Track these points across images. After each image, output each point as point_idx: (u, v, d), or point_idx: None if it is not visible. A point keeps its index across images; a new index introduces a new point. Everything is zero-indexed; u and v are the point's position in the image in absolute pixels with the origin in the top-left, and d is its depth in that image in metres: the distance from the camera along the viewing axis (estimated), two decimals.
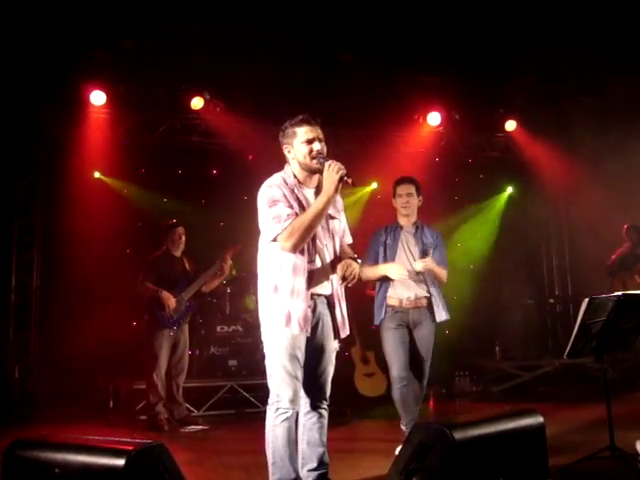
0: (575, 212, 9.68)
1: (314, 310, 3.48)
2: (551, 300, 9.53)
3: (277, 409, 3.38)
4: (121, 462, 2.67)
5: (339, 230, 3.68)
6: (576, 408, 6.56)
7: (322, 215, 3.37)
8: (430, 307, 4.98)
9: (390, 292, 4.99)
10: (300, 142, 3.46)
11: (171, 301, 6.33)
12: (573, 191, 9.48)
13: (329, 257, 3.55)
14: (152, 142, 8.36)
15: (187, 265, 6.64)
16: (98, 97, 7.79)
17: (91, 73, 7.72)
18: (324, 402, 3.57)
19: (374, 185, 9.58)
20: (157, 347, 6.31)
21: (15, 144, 7.94)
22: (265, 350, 3.49)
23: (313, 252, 3.47)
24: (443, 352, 8.87)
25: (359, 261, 3.56)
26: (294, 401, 3.39)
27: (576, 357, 4.13)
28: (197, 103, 8.13)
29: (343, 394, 7.29)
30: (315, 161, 3.43)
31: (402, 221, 5.11)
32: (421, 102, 8.93)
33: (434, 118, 8.98)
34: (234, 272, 6.72)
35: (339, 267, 3.46)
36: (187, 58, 7.85)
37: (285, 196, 3.41)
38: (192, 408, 6.84)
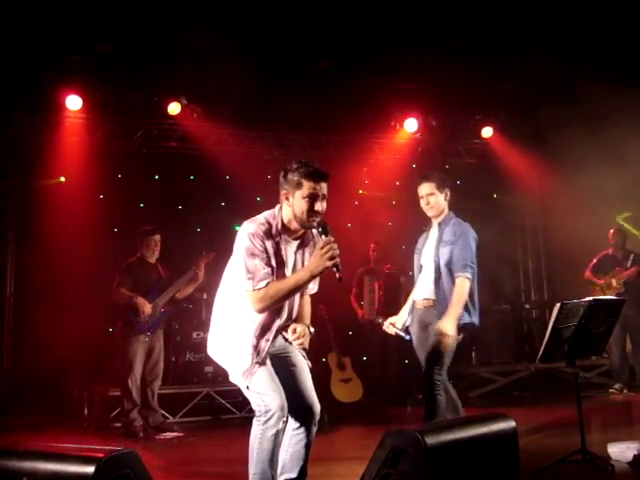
0: (551, 218, 9.78)
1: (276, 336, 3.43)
2: (527, 305, 9.60)
3: (267, 421, 3.23)
4: (91, 469, 2.63)
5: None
6: (551, 412, 6.61)
7: (300, 290, 3.32)
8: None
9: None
10: (303, 196, 3.28)
11: (146, 307, 6.30)
12: (549, 197, 9.60)
13: (293, 310, 3.50)
14: (129, 147, 8.33)
15: (162, 271, 6.61)
16: (74, 102, 7.75)
17: (67, 78, 7.69)
18: (315, 417, 3.48)
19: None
20: (132, 353, 6.27)
21: None
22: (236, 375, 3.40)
23: (280, 310, 3.40)
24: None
25: (312, 331, 3.52)
26: (284, 410, 3.24)
27: (548, 362, 4.17)
28: (174, 109, 8.11)
29: (319, 400, 7.29)
30: (312, 219, 3.29)
31: (432, 220, 4.74)
32: (398, 108, 9.00)
33: (411, 124, 9.04)
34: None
35: (291, 330, 3.41)
36: (164, 63, 7.86)
37: (266, 250, 3.27)
38: (167, 415, 6.79)
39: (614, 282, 7.66)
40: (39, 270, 7.51)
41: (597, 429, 5.48)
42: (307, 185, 3.28)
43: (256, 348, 3.33)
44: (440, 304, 4.50)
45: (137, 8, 6.83)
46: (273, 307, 3.28)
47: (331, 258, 3.13)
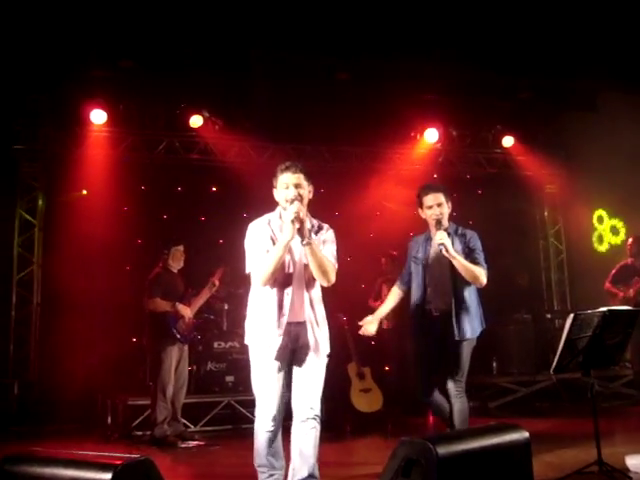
0: (573, 226, 9.73)
1: (290, 334, 3.75)
2: (548, 315, 9.54)
3: (259, 419, 3.77)
4: (108, 476, 2.70)
5: None
6: (570, 423, 6.56)
7: (280, 256, 3.67)
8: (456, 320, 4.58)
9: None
10: (280, 188, 3.84)
11: (188, 311, 6.33)
12: (571, 205, 9.55)
13: (305, 289, 3.83)
14: (151, 160, 8.46)
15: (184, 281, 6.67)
16: (98, 116, 7.91)
17: (91, 92, 7.86)
18: (312, 413, 3.75)
19: None
20: (168, 364, 6.23)
21: (17, 163, 8.07)
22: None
23: (289, 283, 3.77)
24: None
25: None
26: (274, 418, 3.73)
27: (562, 372, 4.17)
28: (196, 121, 8.24)
29: (340, 410, 7.33)
30: (288, 205, 3.75)
31: (433, 232, 4.66)
32: (418, 119, 9.03)
33: (431, 135, 9.06)
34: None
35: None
36: (186, 77, 7.98)
37: (262, 236, 3.79)
38: (189, 424, 6.85)
39: (631, 292, 7.58)
40: (65, 281, 7.66)
41: (617, 441, 5.43)
42: (282, 177, 3.83)
43: (267, 332, 3.75)
44: (459, 313, 4.57)
45: (158, 23, 6.97)
46: (269, 278, 3.70)
47: (291, 216, 3.63)
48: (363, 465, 5.38)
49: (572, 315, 3.98)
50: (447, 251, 4.42)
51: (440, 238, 4.45)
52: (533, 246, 10.26)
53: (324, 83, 8.33)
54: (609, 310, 4.04)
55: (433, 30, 7.42)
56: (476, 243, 4.68)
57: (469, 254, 4.60)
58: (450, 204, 4.73)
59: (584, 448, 4.99)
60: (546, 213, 10.21)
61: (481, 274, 4.52)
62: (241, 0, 6.85)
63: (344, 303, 7.54)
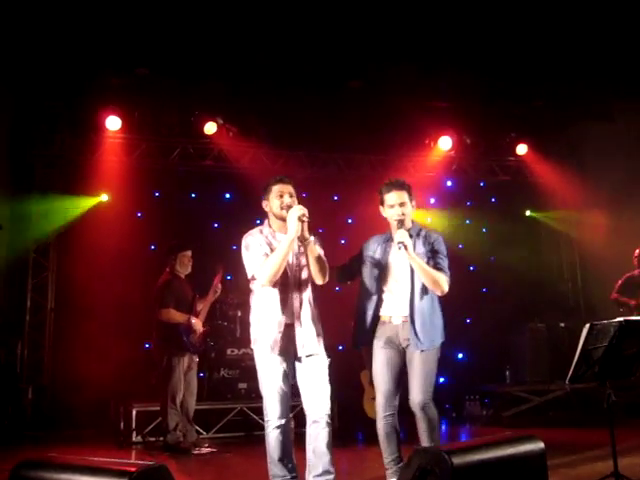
0: (587, 235, 9.67)
1: (289, 335, 4.01)
2: (562, 324, 9.49)
3: (268, 421, 4.01)
4: None
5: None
6: (585, 433, 6.52)
7: (286, 252, 3.96)
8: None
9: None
10: (274, 197, 4.16)
11: (200, 324, 6.34)
12: (584, 214, 9.50)
13: (297, 291, 4.10)
14: (166, 166, 8.51)
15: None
16: (113, 122, 7.97)
17: (107, 99, 7.93)
18: (323, 412, 3.98)
19: None
20: (179, 372, 6.23)
21: (33, 169, 8.12)
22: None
23: (285, 286, 4.06)
24: (454, 376, 8.94)
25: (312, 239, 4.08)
26: (281, 415, 3.97)
27: (578, 383, 4.14)
28: (210, 128, 8.28)
29: (352, 417, 7.31)
30: (284, 211, 4.07)
31: (395, 233, 4.30)
32: (432, 126, 9.03)
33: (445, 142, 9.06)
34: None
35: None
36: (200, 84, 8.03)
37: (260, 242, 4.07)
38: (201, 430, 6.86)
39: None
40: (79, 286, 7.71)
41: (632, 452, 5.37)
42: (275, 188, 4.18)
43: (270, 330, 4.02)
44: (419, 322, 4.22)
45: (173, 31, 7.02)
46: (275, 275, 3.96)
47: (296, 214, 3.90)
48: (375, 473, 5.36)
49: (588, 325, 3.95)
50: (406, 250, 4.11)
51: (400, 236, 4.14)
52: (547, 255, 10.21)
53: (337, 91, 8.36)
54: (626, 320, 4.00)
55: (446, 38, 7.42)
56: (440, 247, 4.35)
57: (432, 257, 4.28)
58: (414, 203, 4.41)
59: (600, 459, 4.96)
60: (559, 221, 10.15)
61: (442, 280, 4.21)
62: (254, 8, 6.88)
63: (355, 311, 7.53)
